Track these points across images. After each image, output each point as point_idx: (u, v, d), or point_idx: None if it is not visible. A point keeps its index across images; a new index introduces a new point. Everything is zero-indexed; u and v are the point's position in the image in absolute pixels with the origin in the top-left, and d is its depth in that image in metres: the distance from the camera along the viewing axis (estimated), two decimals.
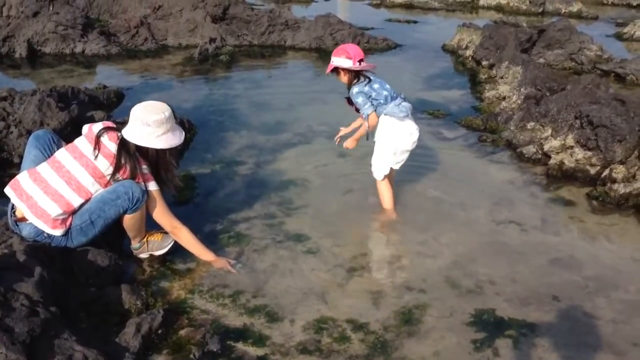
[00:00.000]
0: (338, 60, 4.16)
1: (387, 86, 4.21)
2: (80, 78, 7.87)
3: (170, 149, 3.53)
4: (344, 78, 4.22)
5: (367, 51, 9.87)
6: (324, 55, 9.66)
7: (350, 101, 4.28)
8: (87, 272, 3.31)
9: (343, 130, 4.65)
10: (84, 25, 9.24)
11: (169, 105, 3.52)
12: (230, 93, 7.42)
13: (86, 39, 9.15)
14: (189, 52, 9.32)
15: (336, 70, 4.22)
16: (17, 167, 4.67)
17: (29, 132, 4.98)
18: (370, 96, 4.14)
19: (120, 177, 3.41)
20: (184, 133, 3.61)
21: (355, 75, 4.18)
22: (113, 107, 6.47)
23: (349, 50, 4.15)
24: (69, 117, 5.06)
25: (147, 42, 9.68)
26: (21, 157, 4.82)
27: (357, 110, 4.26)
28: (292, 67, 9.08)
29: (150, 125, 3.36)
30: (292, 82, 8.09)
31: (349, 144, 4.41)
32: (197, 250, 3.70)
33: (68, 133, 4.82)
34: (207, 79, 8.09)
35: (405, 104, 4.22)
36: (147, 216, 3.61)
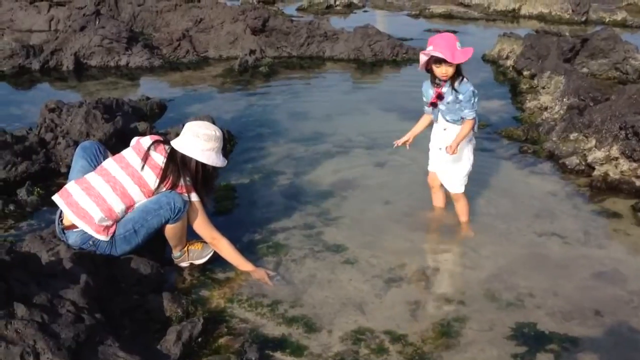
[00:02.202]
0: (457, 45, 3.79)
1: None
2: (125, 90, 8.07)
3: (211, 169, 3.65)
4: (450, 70, 3.83)
5: (407, 62, 9.88)
6: (363, 66, 9.69)
7: (437, 98, 3.99)
8: (130, 279, 3.39)
9: (409, 135, 4.33)
10: (129, 39, 9.48)
11: (220, 132, 3.68)
12: (269, 104, 7.50)
13: (130, 52, 9.38)
14: (229, 64, 9.45)
15: (438, 61, 3.82)
16: (64, 177, 4.83)
17: (76, 143, 5.13)
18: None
19: (164, 188, 3.50)
20: (226, 161, 3.74)
21: (457, 68, 3.88)
22: (156, 118, 6.61)
23: (454, 37, 3.85)
24: (114, 128, 5.20)
25: (188, 54, 9.87)
26: (68, 167, 4.97)
27: (433, 105, 4.05)
28: (331, 78, 9.12)
29: (199, 136, 3.53)
30: (331, 93, 8.13)
31: (454, 148, 3.94)
32: (235, 261, 3.75)
33: (113, 144, 4.95)
34: (247, 90, 8.18)
35: None
36: (188, 226, 3.69)
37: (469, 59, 3.82)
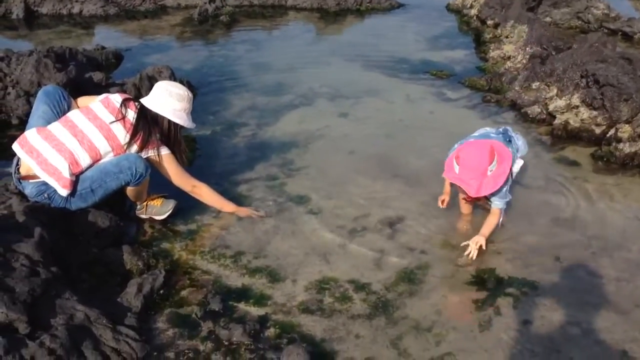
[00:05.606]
0: (489, 169, 3.30)
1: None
2: (78, 39, 7.77)
3: (180, 130, 3.63)
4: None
5: (371, 11, 9.72)
6: (326, 15, 9.50)
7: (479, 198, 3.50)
8: (88, 233, 3.29)
9: (446, 195, 3.90)
10: None
11: (191, 94, 3.70)
12: (231, 54, 7.32)
13: None
14: (188, 13, 9.17)
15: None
16: (15, 129, 4.66)
17: (27, 93, 4.93)
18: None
19: (135, 145, 3.44)
20: (194, 125, 3.76)
21: None
22: (112, 68, 6.39)
23: (488, 155, 3.32)
24: (67, 78, 4.98)
25: (145, 2, 9.53)
26: (19, 118, 4.80)
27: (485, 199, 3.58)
28: (293, 27, 8.92)
29: (172, 95, 3.53)
30: (293, 43, 7.97)
31: (481, 244, 3.46)
32: (219, 205, 3.79)
33: None
34: (207, 40, 7.96)
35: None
36: (162, 177, 3.64)
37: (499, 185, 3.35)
